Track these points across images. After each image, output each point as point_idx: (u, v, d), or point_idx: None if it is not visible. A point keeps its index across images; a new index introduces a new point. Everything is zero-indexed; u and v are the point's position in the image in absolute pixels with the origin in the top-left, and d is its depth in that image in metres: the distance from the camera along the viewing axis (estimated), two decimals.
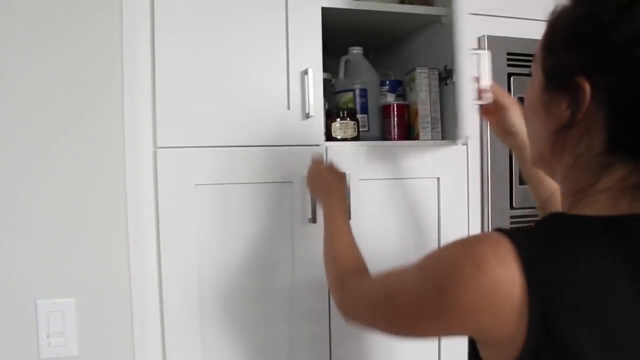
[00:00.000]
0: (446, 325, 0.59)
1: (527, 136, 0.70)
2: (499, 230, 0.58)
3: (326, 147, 1.13)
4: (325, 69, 1.28)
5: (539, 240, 0.56)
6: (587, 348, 0.52)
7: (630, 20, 0.54)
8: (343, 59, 1.27)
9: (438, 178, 1.23)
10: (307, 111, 1.10)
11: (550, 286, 0.53)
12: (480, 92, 1.05)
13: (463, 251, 0.57)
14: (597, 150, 0.58)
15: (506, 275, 0.54)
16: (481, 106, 1.05)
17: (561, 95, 0.60)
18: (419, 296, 0.60)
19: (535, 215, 1.36)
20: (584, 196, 0.59)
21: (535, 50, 0.66)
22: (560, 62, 0.60)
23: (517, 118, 1.00)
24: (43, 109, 1.01)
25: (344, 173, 1.05)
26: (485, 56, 1.07)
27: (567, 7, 0.61)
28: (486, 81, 1.04)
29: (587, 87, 0.56)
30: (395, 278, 0.68)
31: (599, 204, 0.58)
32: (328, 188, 0.99)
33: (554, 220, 0.60)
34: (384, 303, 0.67)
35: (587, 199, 0.59)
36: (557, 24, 0.61)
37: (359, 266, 0.86)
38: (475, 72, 1.06)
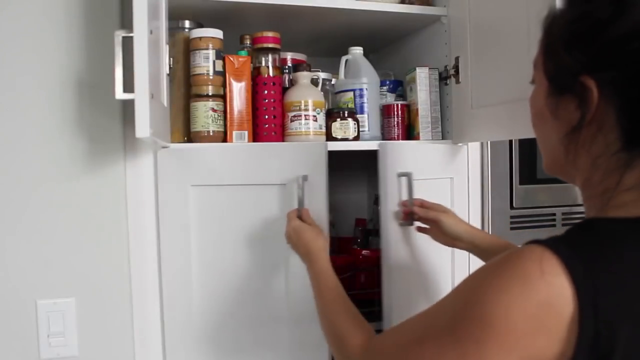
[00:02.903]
0: (491, 356, 0.53)
1: (538, 144, 0.68)
2: (536, 242, 0.54)
3: (327, 147, 1.13)
4: (325, 69, 1.29)
5: (582, 249, 0.53)
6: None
7: (626, 14, 0.54)
8: (343, 59, 1.27)
9: (438, 178, 1.23)
10: None
11: (602, 298, 0.50)
12: (405, 215, 1.10)
13: (503, 272, 0.53)
14: (614, 148, 0.56)
15: (556, 291, 0.50)
16: (417, 228, 1.10)
17: (568, 97, 0.59)
18: (454, 332, 0.54)
19: (537, 215, 1.36)
20: (611, 197, 0.57)
21: (534, 58, 0.65)
22: (562, 64, 0.59)
23: (454, 224, 1.04)
24: (43, 109, 1.01)
25: (320, 229, 1.01)
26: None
27: (561, 11, 0.61)
28: (410, 203, 1.08)
29: (594, 85, 0.55)
30: (421, 320, 0.62)
31: (630, 204, 0.56)
32: (307, 248, 0.96)
33: (592, 227, 0.57)
34: (415, 350, 0.59)
35: (615, 200, 0.57)
36: (554, 28, 0.61)
37: (367, 326, 0.79)
38: (402, 195, 1.10)
